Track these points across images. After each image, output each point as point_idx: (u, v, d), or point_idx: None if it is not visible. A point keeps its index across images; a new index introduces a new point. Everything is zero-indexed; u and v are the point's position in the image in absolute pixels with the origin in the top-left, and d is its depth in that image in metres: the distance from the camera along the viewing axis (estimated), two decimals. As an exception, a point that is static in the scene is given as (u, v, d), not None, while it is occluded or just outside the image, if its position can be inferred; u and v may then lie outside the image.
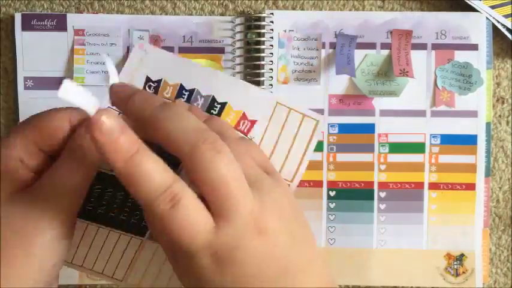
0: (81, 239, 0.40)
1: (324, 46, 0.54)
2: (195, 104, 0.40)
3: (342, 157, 0.55)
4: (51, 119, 0.35)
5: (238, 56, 0.54)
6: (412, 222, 0.55)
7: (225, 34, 0.55)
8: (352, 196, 0.55)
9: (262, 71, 0.54)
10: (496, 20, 0.54)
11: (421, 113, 0.54)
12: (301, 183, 0.55)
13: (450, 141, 0.54)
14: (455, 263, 0.55)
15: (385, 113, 0.55)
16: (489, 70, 0.55)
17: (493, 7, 0.54)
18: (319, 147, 0.55)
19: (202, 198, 0.31)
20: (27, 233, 0.32)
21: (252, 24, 0.54)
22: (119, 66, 0.54)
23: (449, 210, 0.55)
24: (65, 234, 0.34)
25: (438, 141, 0.54)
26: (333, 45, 0.54)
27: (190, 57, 0.54)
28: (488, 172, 0.55)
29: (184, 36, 0.54)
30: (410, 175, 0.55)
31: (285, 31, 0.54)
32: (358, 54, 0.54)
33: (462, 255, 0.55)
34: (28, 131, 0.34)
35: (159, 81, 0.40)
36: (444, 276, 0.55)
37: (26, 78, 0.54)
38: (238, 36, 0.54)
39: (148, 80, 0.40)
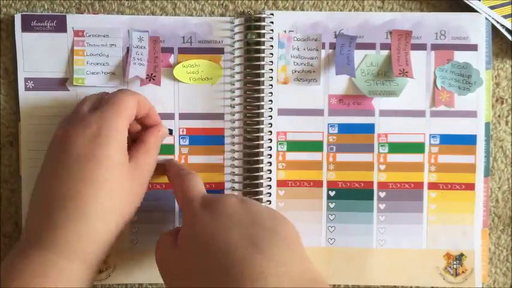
0: None
1: (323, 46, 0.54)
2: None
3: (342, 157, 0.55)
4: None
5: (238, 57, 0.54)
6: (412, 222, 0.55)
7: (224, 34, 0.55)
8: (352, 196, 0.55)
9: (262, 71, 0.54)
10: (496, 20, 0.54)
11: (420, 113, 0.55)
12: (301, 183, 0.55)
13: (450, 141, 0.55)
14: (454, 262, 0.55)
15: (384, 113, 0.55)
16: (488, 70, 0.55)
17: (492, 7, 0.54)
18: (319, 147, 0.55)
19: None
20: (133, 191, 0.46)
21: (252, 25, 0.54)
22: (119, 66, 0.54)
23: (449, 210, 0.55)
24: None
25: (438, 141, 0.55)
26: (332, 46, 0.54)
27: (190, 57, 0.54)
28: (488, 172, 0.55)
29: (183, 37, 0.55)
30: (409, 175, 0.55)
31: (285, 31, 0.54)
32: (358, 55, 0.54)
33: (462, 255, 0.55)
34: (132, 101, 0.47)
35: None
36: (444, 276, 0.55)
37: (26, 79, 0.54)
38: (238, 37, 0.54)
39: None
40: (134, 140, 0.49)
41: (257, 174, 0.54)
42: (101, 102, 0.46)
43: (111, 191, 0.43)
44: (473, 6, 0.54)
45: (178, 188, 0.48)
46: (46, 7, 0.55)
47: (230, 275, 0.37)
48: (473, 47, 0.54)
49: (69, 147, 0.43)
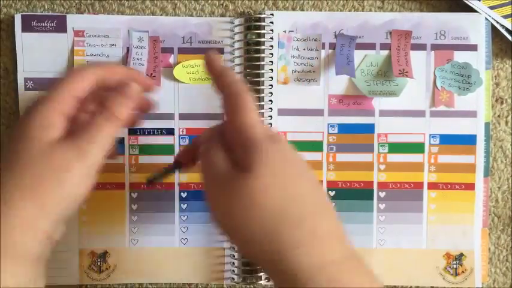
0: None
1: (323, 47, 0.54)
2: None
3: (342, 157, 0.55)
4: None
5: (238, 57, 0.54)
6: (412, 222, 0.55)
7: (224, 35, 0.55)
8: (351, 196, 0.55)
9: (262, 71, 0.54)
10: (495, 20, 0.54)
11: (420, 113, 0.55)
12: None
13: (449, 141, 0.55)
14: (454, 262, 0.55)
15: (384, 113, 0.55)
16: (488, 70, 0.55)
17: (492, 7, 0.54)
18: (319, 147, 0.55)
19: None
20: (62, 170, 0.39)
21: (252, 25, 0.54)
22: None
23: (449, 210, 0.55)
24: (91, 176, 0.40)
25: (437, 141, 0.55)
26: (332, 46, 0.54)
27: (189, 58, 0.54)
28: (487, 172, 0.55)
29: (183, 37, 0.55)
30: (409, 175, 0.55)
31: (285, 32, 0.54)
32: (358, 55, 0.54)
33: (461, 254, 0.55)
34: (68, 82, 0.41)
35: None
36: (443, 276, 0.55)
37: (26, 79, 0.54)
38: (238, 37, 0.54)
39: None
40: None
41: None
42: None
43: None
44: (473, 7, 0.54)
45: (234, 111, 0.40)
46: (46, 7, 0.55)
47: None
48: (473, 47, 0.54)
49: None
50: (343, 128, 0.55)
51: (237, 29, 0.54)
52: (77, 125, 0.41)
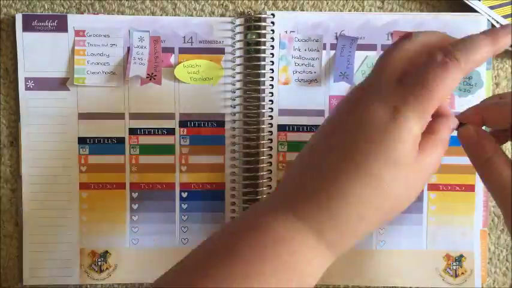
0: None
1: (324, 47, 0.54)
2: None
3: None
4: None
5: (239, 57, 0.54)
6: (412, 223, 0.55)
7: (225, 35, 0.55)
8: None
9: (263, 71, 0.54)
10: (496, 20, 0.54)
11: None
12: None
13: (450, 142, 0.54)
14: (454, 263, 0.55)
15: (385, 114, 0.55)
16: (488, 71, 0.55)
17: (492, 8, 0.54)
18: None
19: None
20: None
21: (252, 25, 0.54)
22: (120, 66, 0.54)
23: (449, 211, 0.55)
24: None
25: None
26: (333, 47, 0.54)
27: (190, 57, 0.54)
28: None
29: (184, 37, 0.55)
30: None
31: (286, 32, 0.54)
32: (359, 56, 0.54)
33: (461, 256, 0.55)
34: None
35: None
36: (443, 277, 0.55)
37: (26, 79, 0.54)
38: (238, 37, 0.54)
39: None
40: None
41: (257, 174, 0.54)
42: (410, 76, 0.36)
43: (380, 189, 0.35)
44: (474, 7, 0.54)
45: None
46: (46, 7, 0.55)
47: None
48: (474, 49, 0.54)
49: (357, 120, 0.36)
50: (344, 129, 0.55)
51: (237, 29, 0.54)
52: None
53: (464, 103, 0.54)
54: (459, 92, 0.54)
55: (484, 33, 0.37)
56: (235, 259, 0.35)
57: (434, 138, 0.38)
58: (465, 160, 0.54)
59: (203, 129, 0.55)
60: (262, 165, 0.55)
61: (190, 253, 0.40)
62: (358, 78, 0.54)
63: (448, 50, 0.35)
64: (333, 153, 0.36)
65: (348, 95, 0.39)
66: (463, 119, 0.41)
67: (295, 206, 0.36)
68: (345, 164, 0.35)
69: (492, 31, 0.37)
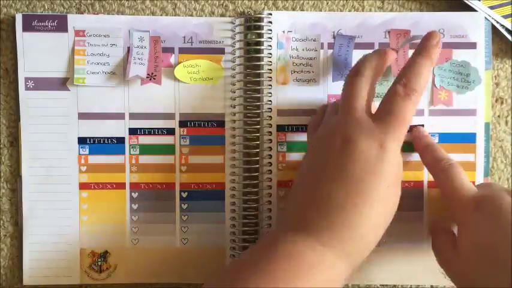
0: None
1: (322, 47, 0.55)
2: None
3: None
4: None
5: (239, 57, 0.54)
6: (412, 220, 0.55)
7: (225, 35, 0.55)
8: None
9: (262, 71, 0.54)
10: (495, 20, 0.54)
11: (419, 112, 0.54)
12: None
13: (449, 139, 0.54)
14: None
15: (384, 112, 0.55)
16: (488, 71, 0.55)
17: (492, 7, 0.54)
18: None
19: None
20: None
21: (252, 25, 0.54)
22: (120, 66, 0.54)
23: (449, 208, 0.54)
24: None
25: (437, 139, 0.54)
26: (331, 46, 0.54)
27: (190, 57, 0.55)
28: (487, 172, 0.55)
29: (184, 37, 0.55)
30: (409, 174, 0.55)
31: (284, 32, 0.55)
32: (357, 55, 0.54)
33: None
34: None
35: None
36: (444, 275, 0.55)
37: (26, 79, 0.54)
38: (238, 37, 0.54)
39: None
40: None
41: (257, 174, 0.54)
42: (382, 111, 0.45)
43: (383, 208, 0.43)
44: (473, 6, 0.54)
45: (442, 182, 0.48)
46: (46, 7, 0.55)
47: None
48: (472, 45, 0.54)
49: (353, 156, 0.42)
50: (343, 128, 0.55)
51: (237, 29, 0.54)
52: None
53: (462, 100, 0.54)
54: (457, 89, 0.54)
55: (419, 53, 0.46)
56: (265, 281, 0.40)
57: None
58: (464, 157, 0.55)
59: (203, 129, 0.55)
60: (262, 165, 0.55)
61: (221, 272, 0.45)
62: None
63: (404, 83, 0.44)
64: (340, 187, 0.42)
65: (327, 135, 0.46)
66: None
67: (321, 236, 0.41)
68: (356, 197, 0.42)
69: (425, 49, 0.46)
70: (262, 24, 0.54)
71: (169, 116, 0.55)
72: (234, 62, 0.55)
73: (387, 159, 0.42)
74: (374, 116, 0.44)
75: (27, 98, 0.54)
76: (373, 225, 0.42)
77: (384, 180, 0.42)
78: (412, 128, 0.53)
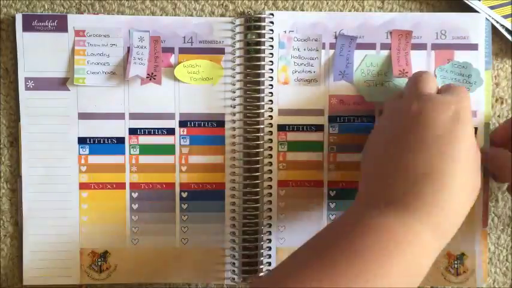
0: None
1: (324, 47, 0.54)
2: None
3: (343, 157, 0.55)
4: None
5: (239, 57, 0.54)
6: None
7: (225, 35, 0.55)
8: (352, 196, 0.54)
9: (263, 71, 0.54)
10: (496, 20, 0.54)
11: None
12: (301, 183, 0.55)
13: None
14: (455, 262, 0.55)
15: (385, 113, 0.55)
16: (488, 71, 0.55)
17: (492, 7, 0.54)
18: (319, 147, 0.55)
19: None
20: None
21: (252, 25, 0.54)
22: (120, 66, 0.54)
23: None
24: None
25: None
26: (333, 46, 0.54)
27: (190, 57, 0.54)
28: (487, 172, 0.55)
29: (184, 37, 0.55)
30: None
31: (285, 32, 0.54)
32: (358, 55, 0.54)
33: (463, 254, 0.55)
34: None
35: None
36: (445, 276, 0.55)
37: (26, 79, 0.54)
38: (238, 37, 0.54)
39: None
40: None
41: (257, 174, 0.54)
42: (449, 88, 0.48)
43: (467, 167, 0.44)
44: (473, 6, 0.54)
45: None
46: (46, 7, 0.55)
47: None
48: (474, 47, 0.54)
49: (429, 125, 0.44)
50: (344, 128, 0.55)
51: (237, 29, 0.54)
52: None
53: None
54: (459, 90, 0.54)
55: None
56: (355, 260, 0.38)
57: None
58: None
59: (203, 129, 0.55)
60: (262, 165, 0.55)
61: (294, 253, 0.43)
62: (358, 77, 0.54)
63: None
64: (423, 155, 0.43)
65: (402, 108, 0.47)
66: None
67: (407, 208, 0.41)
68: (441, 162, 0.43)
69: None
70: (262, 24, 0.54)
71: (169, 116, 0.55)
72: (234, 62, 0.54)
73: (461, 121, 0.44)
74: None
75: (27, 98, 0.54)
76: (459, 193, 0.43)
77: (463, 142, 0.44)
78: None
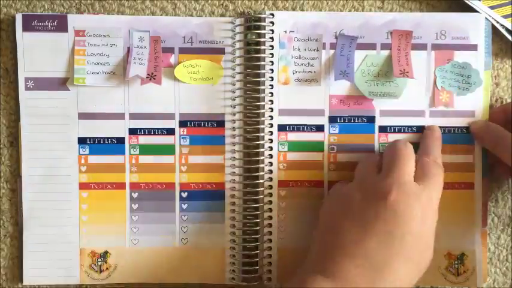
0: None
1: (324, 47, 0.54)
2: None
3: (343, 157, 0.55)
4: None
5: (239, 57, 0.54)
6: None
7: (225, 35, 0.55)
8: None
9: (263, 71, 0.54)
10: (496, 20, 0.54)
11: (420, 113, 0.55)
12: (302, 183, 0.55)
13: (448, 140, 0.54)
14: (456, 262, 0.55)
15: (385, 113, 0.55)
16: (487, 71, 0.55)
17: (492, 7, 0.54)
18: (320, 147, 0.55)
19: None
20: None
21: (252, 25, 0.54)
22: (120, 66, 0.54)
23: (449, 209, 0.54)
24: None
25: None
26: (333, 46, 0.54)
27: (190, 57, 0.54)
28: (487, 172, 0.55)
29: (184, 37, 0.55)
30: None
31: (286, 32, 0.54)
32: (359, 55, 0.54)
33: (463, 254, 0.55)
34: None
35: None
36: (445, 276, 0.55)
37: (26, 79, 0.54)
38: (238, 37, 0.54)
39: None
40: None
41: (257, 174, 0.54)
42: (423, 173, 0.49)
43: (416, 265, 0.48)
44: (473, 6, 0.54)
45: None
46: (46, 7, 0.55)
47: None
48: (473, 47, 0.54)
49: (403, 223, 0.45)
50: (344, 128, 0.55)
51: (237, 29, 0.54)
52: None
53: (462, 101, 0.54)
54: (458, 91, 0.54)
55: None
56: None
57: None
58: (464, 158, 0.55)
59: (203, 129, 0.55)
60: (262, 165, 0.55)
61: None
62: (358, 77, 0.54)
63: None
64: (380, 243, 0.45)
65: (375, 193, 0.47)
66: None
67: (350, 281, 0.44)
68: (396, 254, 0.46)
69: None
70: (262, 24, 0.54)
71: (169, 116, 0.55)
72: (234, 62, 0.54)
73: (429, 219, 0.47)
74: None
75: (27, 98, 0.54)
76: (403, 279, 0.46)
77: (421, 242, 0.46)
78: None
